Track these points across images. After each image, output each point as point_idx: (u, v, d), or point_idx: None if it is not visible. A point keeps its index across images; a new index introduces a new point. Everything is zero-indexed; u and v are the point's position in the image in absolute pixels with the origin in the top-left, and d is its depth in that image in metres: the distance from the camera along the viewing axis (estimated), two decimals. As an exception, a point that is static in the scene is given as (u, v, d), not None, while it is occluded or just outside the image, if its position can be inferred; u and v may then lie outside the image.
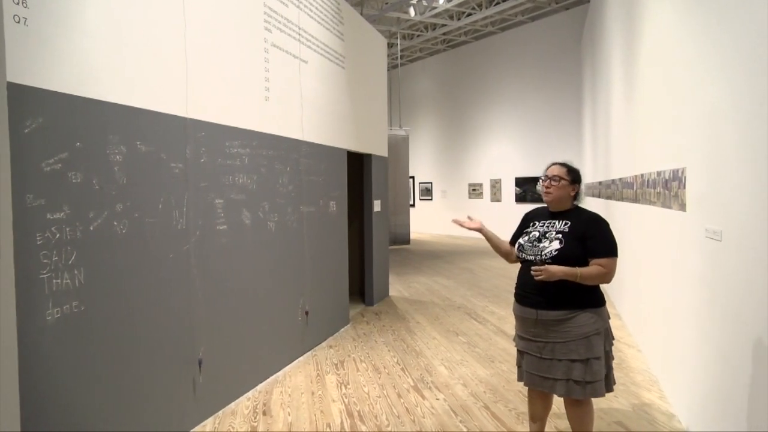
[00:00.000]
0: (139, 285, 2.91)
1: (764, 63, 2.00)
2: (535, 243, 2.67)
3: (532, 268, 2.55)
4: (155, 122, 3.04)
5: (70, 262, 2.45)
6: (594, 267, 2.53)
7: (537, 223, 2.79)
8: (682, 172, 3.18)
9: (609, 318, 2.67)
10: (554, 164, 2.79)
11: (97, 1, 2.64)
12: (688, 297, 3.17)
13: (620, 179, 5.92)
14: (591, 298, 2.59)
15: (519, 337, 2.79)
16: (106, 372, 2.67)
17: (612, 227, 2.72)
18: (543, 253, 2.58)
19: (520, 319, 2.74)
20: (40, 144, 2.31)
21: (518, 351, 2.82)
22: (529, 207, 3.07)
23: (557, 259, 2.54)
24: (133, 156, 2.87)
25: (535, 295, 2.61)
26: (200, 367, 3.40)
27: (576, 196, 2.75)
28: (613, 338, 2.70)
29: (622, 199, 5.83)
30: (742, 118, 2.23)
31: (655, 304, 4.21)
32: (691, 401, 3.16)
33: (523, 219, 2.94)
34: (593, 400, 2.69)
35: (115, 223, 2.73)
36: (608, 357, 2.63)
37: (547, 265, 2.52)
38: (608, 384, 2.63)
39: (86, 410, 2.55)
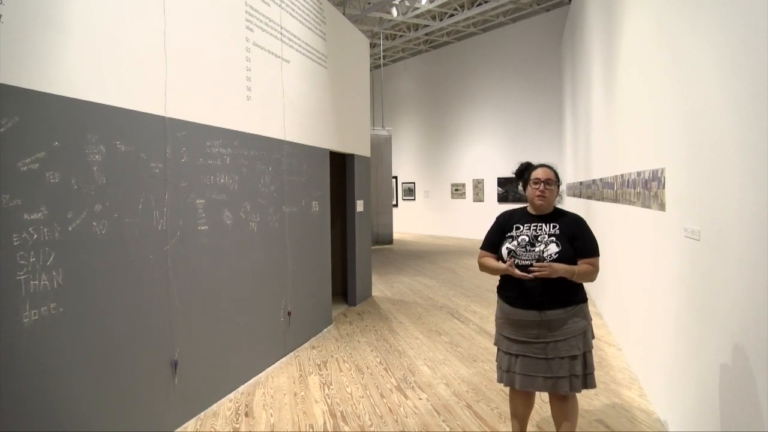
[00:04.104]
0: (119, 286, 2.87)
1: (741, 66, 2.04)
2: (528, 247, 2.64)
3: (535, 264, 2.55)
4: (135, 121, 3.00)
5: (48, 263, 2.41)
6: (585, 266, 2.61)
7: (521, 226, 2.74)
8: (662, 173, 3.23)
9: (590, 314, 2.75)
10: (542, 166, 2.77)
11: (75, -2, 2.60)
12: (667, 295, 3.22)
13: (601, 179, 5.99)
14: (581, 295, 2.69)
15: (511, 341, 2.72)
16: (84, 374, 2.63)
17: (592, 227, 2.77)
18: (544, 256, 2.58)
19: (518, 323, 2.68)
20: (16, 143, 2.27)
21: (508, 355, 2.74)
22: (511, 207, 3.02)
23: (557, 261, 2.57)
24: (113, 155, 2.83)
25: (536, 297, 2.61)
26: (175, 368, 3.35)
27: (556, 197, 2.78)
28: (593, 336, 2.74)
29: (602, 199, 5.90)
30: (720, 120, 2.27)
31: (635, 303, 4.27)
32: (671, 399, 3.20)
33: (500, 222, 2.87)
34: (576, 394, 2.73)
35: (94, 223, 2.69)
36: None
37: (550, 263, 2.54)
38: None
39: (65, 412, 2.51)
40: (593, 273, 2.63)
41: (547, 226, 2.69)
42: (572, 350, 2.59)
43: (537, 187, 2.71)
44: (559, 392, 2.64)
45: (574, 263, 2.60)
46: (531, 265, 2.58)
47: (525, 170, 2.83)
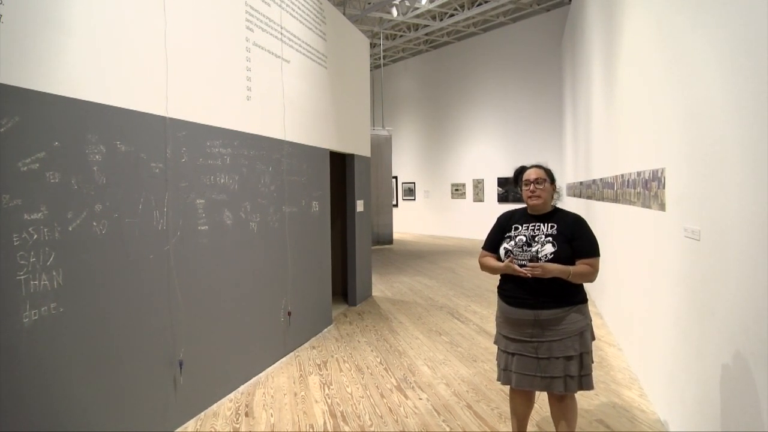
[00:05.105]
0: (119, 286, 2.87)
1: (741, 66, 2.04)
2: (525, 248, 2.65)
3: (528, 264, 2.57)
4: (135, 121, 3.00)
5: (48, 263, 2.41)
6: (583, 266, 2.59)
7: (520, 227, 2.76)
8: (662, 173, 3.23)
9: (590, 315, 2.73)
10: (533, 167, 2.80)
11: (76, -2, 2.61)
12: (667, 295, 3.22)
13: (601, 179, 5.99)
14: (580, 296, 2.67)
15: (508, 340, 2.74)
16: (85, 374, 2.63)
17: (593, 227, 2.76)
18: (539, 256, 2.59)
19: (514, 322, 2.70)
20: (16, 143, 2.27)
21: (505, 353, 2.77)
22: (511, 207, 3.04)
23: (552, 261, 2.57)
24: (113, 156, 2.83)
25: (532, 296, 2.62)
26: (181, 368, 3.36)
27: (553, 196, 2.79)
28: (594, 338, 2.74)
29: (602, 199, 5.90)
30: (720, 120, 2.27)
31: (635, 303, 4.27)
32: (671, 399, 3.20)
33: (500, 223, 2.90)
34: (575, 395, 2.72)
35: (95, 223, 2.69)
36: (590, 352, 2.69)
37: (543, 263, 2.55)
38: None
39: (66, 412, 2.51)
40: (592, 274, 2.61)
41: (545, 226, 2.70)
42: (567, 351, 2.58)
43: (528, 187, 2.74)
44: (554, 392, 2.64)
45: (572, 263, 2.60)
46: (525, 266, 2.60)
47: (519, 174, 2.85)
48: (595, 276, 2.63)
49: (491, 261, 2.81)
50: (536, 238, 2.66)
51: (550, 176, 2.76)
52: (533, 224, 2.73)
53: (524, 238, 2.69)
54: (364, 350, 5.06)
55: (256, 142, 4.32)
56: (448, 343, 5.26)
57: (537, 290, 2.60)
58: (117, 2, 2.88)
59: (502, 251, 2.74)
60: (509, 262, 2.64)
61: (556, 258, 2.57)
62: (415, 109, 19.20)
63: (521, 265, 2.61)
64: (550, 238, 2.63)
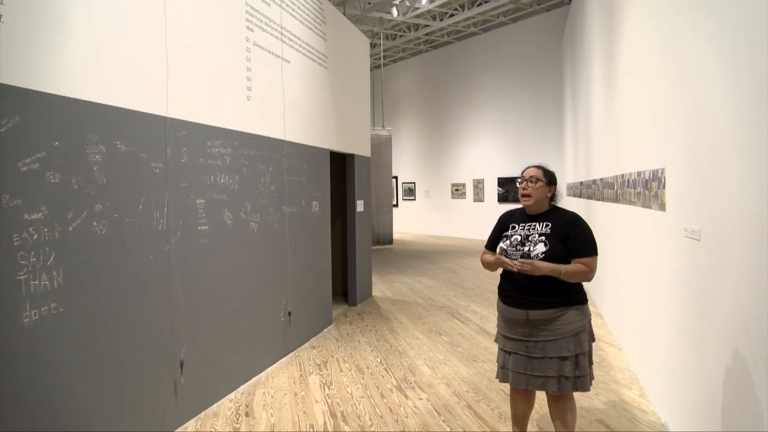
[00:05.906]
0: (120, 286, 2.87)
1: (741, 66, 2.04)
2: (518, 247, 2.67)
3: (518, 260, 2.58)
4: (135, 121, 3.00)
5: (48, 263, 2.41)
6: (576, 265, 2.58)
7: (516, 226, 2.78)
8: (662, 173, 3.23)
9: (590, 316, 2.72)
10: (530, 167, 2.83)
11: (76, -2, 2.60)
12: (667, 295, 3.22)
13: (601, 179, 5.99)
14: (577, 296, 2.66)
15: (506, 338, 2.76)
16: (85, 374, 2.63)
17: (593, 227, 2.77)
18: (531, 255, 2.60)
19: (509, 321, 2.72)
20: (16, 143, 2.27)
21: (503, 352, 2.79)
22: (511, 207, 3.05)
23: (544, 260, 2.57)
24: (113, 156, 2.83)
25: (524, 295, 2.63)
26: (182, 368, 3.36)
27: (553, 197, 2.79)
28: (594, 339, 2.74)
29: (602, 199, 5.90)
30: (720, 120, 2.27)
31: (635, 303, 4.27)
32: (671, 399, 3.20)
33: (499, 222, 2.93)
34: (575, 395, 2.72)
35: (95, 223, 2.69)
36: (589, 354, 2.68)
37: (533, 260, 2.55)
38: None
39: (65, 412, 2.51)
40: (587, 273, 2.58)
41: (540, 225, 2.71)
42: (561, 351, 2.58)
43: (521, 185, 2.77)
44: (548, 392, 2.65)
45: (566, 263, 2.59)
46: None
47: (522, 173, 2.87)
48: (592, 275, 2.61)
49: (488, 257, 2.87)
50: (530, 237, 2.68)
51: (547, 176, 2.77)
52: (529, 224, 2.75)
53: (519, 237, 2.72)
54: (364, 350, 5.06)
55: (257, 142, 4.32)
56: (449, 343, 5.26)
57: (527, 289, 2.62)
58: (117, 2, 2.88)
59: (498, 250, 2.77)
60: (499, 255, 2.68)
61: (547, 257, 2.57)
62: (415, 109, 19.19)
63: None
64: (543, 237, 2.64)
